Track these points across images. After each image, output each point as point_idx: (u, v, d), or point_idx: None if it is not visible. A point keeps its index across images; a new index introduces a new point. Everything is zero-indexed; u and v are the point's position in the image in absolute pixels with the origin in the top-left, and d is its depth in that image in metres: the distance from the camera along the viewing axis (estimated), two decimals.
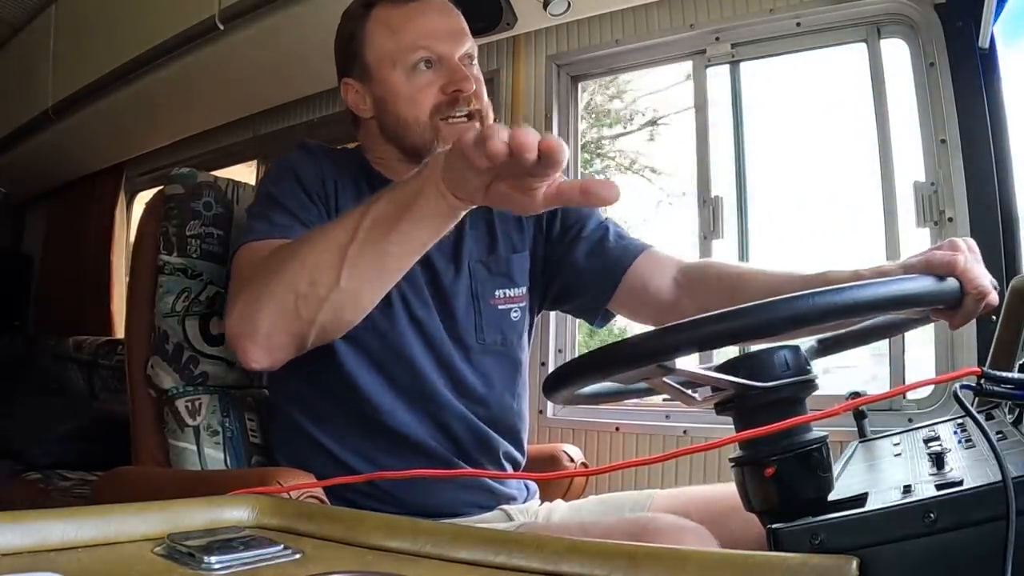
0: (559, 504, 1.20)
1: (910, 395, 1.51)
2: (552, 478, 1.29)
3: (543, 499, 1.22)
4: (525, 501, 1.15)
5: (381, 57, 1.07)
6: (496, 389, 1.12)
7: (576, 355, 0.80)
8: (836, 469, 0.65)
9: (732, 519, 0.86)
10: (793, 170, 1.94)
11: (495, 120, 1.12)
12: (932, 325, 1.48)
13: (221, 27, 2.02)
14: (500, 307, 1.14)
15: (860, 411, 0.90)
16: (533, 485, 1.18)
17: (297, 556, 0.48)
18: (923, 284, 0.64)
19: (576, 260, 1.18)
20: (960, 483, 0.46)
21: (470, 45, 1.08)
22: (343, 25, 1.13)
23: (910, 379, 1.59)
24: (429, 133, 1.05)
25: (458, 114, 1.04)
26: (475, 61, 1.09)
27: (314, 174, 1.06)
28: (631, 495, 1.18)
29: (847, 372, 1.53)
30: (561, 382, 0.67)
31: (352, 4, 1.12)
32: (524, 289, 1.17)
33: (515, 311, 1.16)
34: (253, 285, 0.89)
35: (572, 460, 1.44)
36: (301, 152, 1.11)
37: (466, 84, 1.03)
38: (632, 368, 0.60)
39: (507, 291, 1.15)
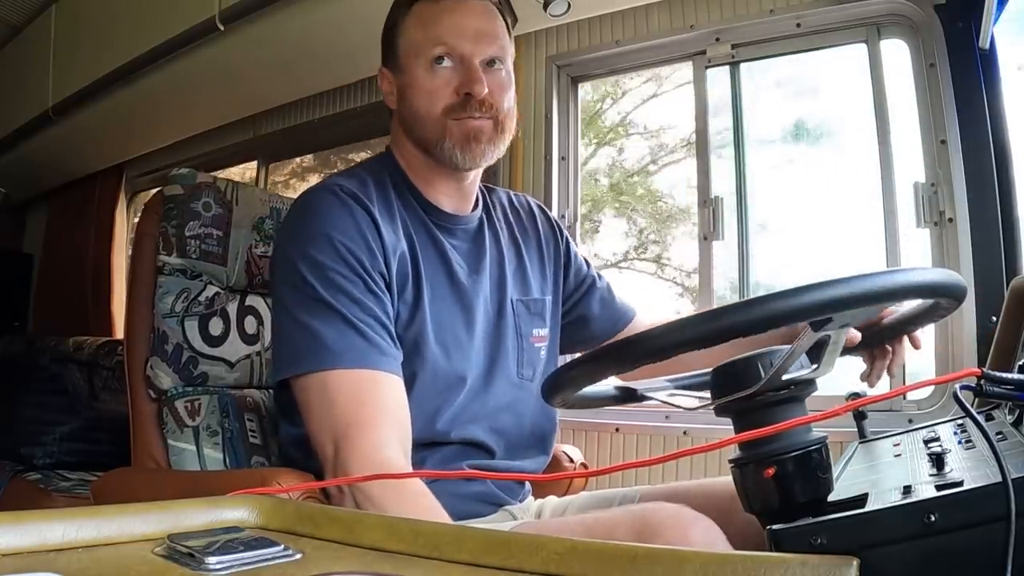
0: (551, 499, 1.21)
1: (910, 396, 1.51)
2: (552, 479, 1.29)
3: (540, 495, 1.23)
4: (522, 499, 1.16)
5: (409, 47, 1.08)
6: (526, 419, 1.16)
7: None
8: (836, 470, 0.65)
9: (723, 513, 0.86)
10: (794, 170, 1.94)
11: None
12: (932, 326, 1.49)
13: (221, 27, 2.02)
14: (536, 345, 1.19)
15: (860, 412, 0.90)
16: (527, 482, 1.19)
17: (297, 557, 0.48)
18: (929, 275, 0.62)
19: (590, 309, 1.30)
20: (960, 484, 0.46)
21: (496, 50, 1.07)
22: (389, 14, 1.13)
23: (910, 380, 1.59)
24: (439, 128, 1.05)
25: (467, 115, 1.05)
26: (502, 66, 1.09)
27: (358, 234, 1.00)
28: (620, 491, 1.19)
29: None
30: (558, 386, 0.67)
31: None
32: (548, 330, 1.23)
33: (543, 350, 1.21)
34: (360, 491, 0.89)
35: (572, 461, 1.44)
36: (335, 208, 1.01)
37: (477, 87, 1.03)
38: (627, 369, 0.61)
39: (540, 330, 1.21)
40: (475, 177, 1.16)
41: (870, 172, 1.65)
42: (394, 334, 1.01)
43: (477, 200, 1.19)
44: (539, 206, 1.32)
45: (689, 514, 0.82)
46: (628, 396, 0.78)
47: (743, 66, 1.84)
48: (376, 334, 0.97)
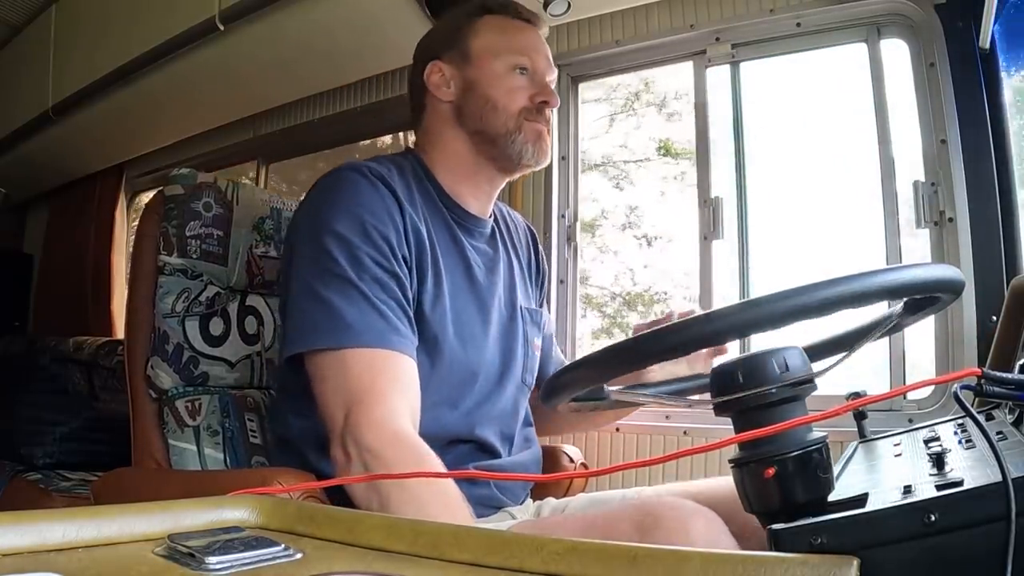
0: (549, 501, 1.22)
1: (910, 395, 1.51)
2: (552, 479, 1.29)
3: (539, 496, 1.24)
4: (522, 501, 1.17)
5: (487, 47, 1.16)
6: (521, 422, 1.20)
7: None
8: (836, 469, 0.65)
9: (724, 513, 0.86)
10: (793, 170, 1.94)
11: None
12: (933, 325, 1.49)
13: (221, 27, 2.02)
14: (535, 353, 1.25)
15: (860, 411, 0.90)
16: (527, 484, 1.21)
17: (298, 556, 0.48)
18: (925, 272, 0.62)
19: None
20: (960, 483, 0.46)
21: (554, 77, 1.21)
22: (450, 18, 1.22)
23: (910, 380, 1.59)
24: (513, 123, 1.14)
25: (537, 120, 1.15)
26: None
27: (386, 215, 1.03)
28: (618, 492, 1.20)
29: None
30: (556, 390, 0.68)
31: (470, 4, 1.22)
32: (541, 340, 1.28)
33: (538, 357, 1.27)
34: (380, 472, 0.90)
35: (572, 461, 1.44)
36: (364, 188, 1.05)
37: (554, 100, 1.16)
38: (623, 371, 0.61)
39: (537, 339, 1.26)
40: (504, 183, 1.23)
41: (870, 171, 1.65)
42: (412, 317, 1.03)
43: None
44: (530, 228, 1.39)
45: (690, 506, 0.83)
46: (631, 401, 0.78)
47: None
48: (395, 316, 0.99)
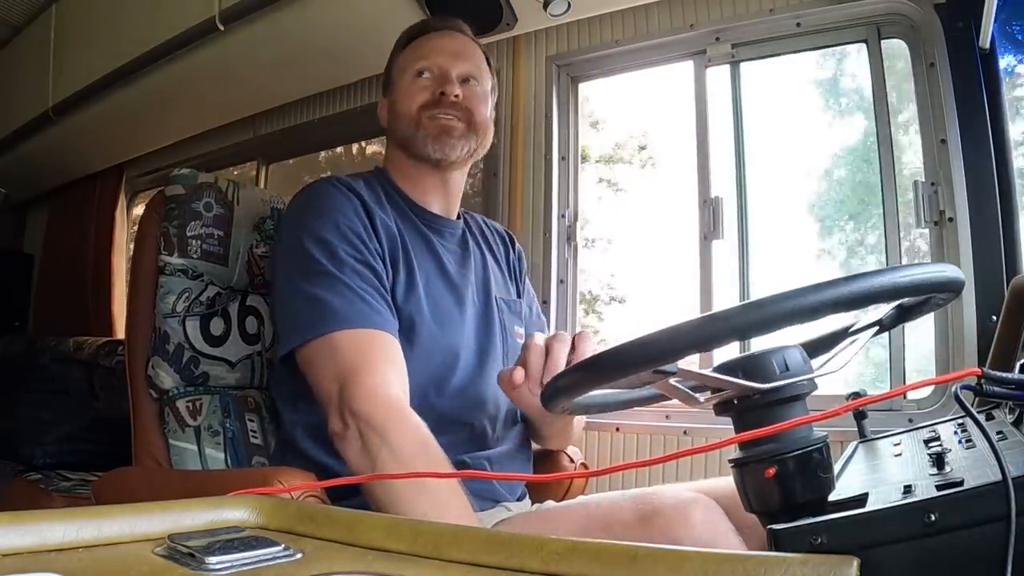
0: (549, 504, 1.22)
1: (910, 395, 1.51)
2: (552, 479, 1.30)
3: (539, 499, 1.24)
4: (518, 496, 1.17)
5: (399, 68, 1.26)
6: (508, 411, 1.21)
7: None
8: (836, 469, 0.65)
9: (725, 512, 0.87)
10: (793, 170, 1.94)
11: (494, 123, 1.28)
12: (933, 325, 1.49)
13: (221, 27, 2.02)
14: (518, 341, 1.27)
15: (860, 411, 0.90)
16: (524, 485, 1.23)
17: (298, 556, 0.48)
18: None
19: None
20: (960, 483, 0.46)
21: (471, 68, 1.24)
22: (390, 55, 1.32)
23: (910, 379, 1.59)
24: (414, 122, 1.20)
25: (438, 113, 1.19)
26: (477, 84, 1.25)
27: (355, 216, 1.12)
28: (618, 494, 1.20)
29: None
30: (560, 391, 0.67)
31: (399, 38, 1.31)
32: (523, 330, 1.31)
33: (520, 345, 1.26)
34: (371, 452, 0.94)
35: (572, 461, 1.44)
36: (335, 195, 1.14)
37: (448, 87, 1.19)
38: (633, 373, 0.60)
39: (519, 327, 1.30)
40: (458, 178, 1.28)
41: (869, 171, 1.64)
42: (391, 303, 1.10)
43: (460, 214, 1.31)
44: (508, 232, 1.44)
45: (689, 495, 0.86)
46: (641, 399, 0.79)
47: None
48: (376, 301, 1.06)
